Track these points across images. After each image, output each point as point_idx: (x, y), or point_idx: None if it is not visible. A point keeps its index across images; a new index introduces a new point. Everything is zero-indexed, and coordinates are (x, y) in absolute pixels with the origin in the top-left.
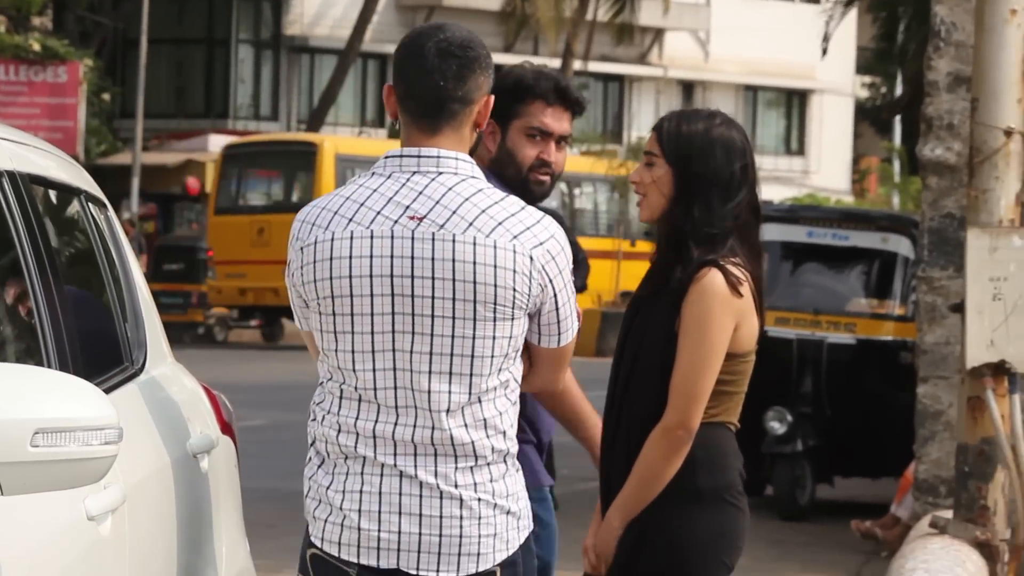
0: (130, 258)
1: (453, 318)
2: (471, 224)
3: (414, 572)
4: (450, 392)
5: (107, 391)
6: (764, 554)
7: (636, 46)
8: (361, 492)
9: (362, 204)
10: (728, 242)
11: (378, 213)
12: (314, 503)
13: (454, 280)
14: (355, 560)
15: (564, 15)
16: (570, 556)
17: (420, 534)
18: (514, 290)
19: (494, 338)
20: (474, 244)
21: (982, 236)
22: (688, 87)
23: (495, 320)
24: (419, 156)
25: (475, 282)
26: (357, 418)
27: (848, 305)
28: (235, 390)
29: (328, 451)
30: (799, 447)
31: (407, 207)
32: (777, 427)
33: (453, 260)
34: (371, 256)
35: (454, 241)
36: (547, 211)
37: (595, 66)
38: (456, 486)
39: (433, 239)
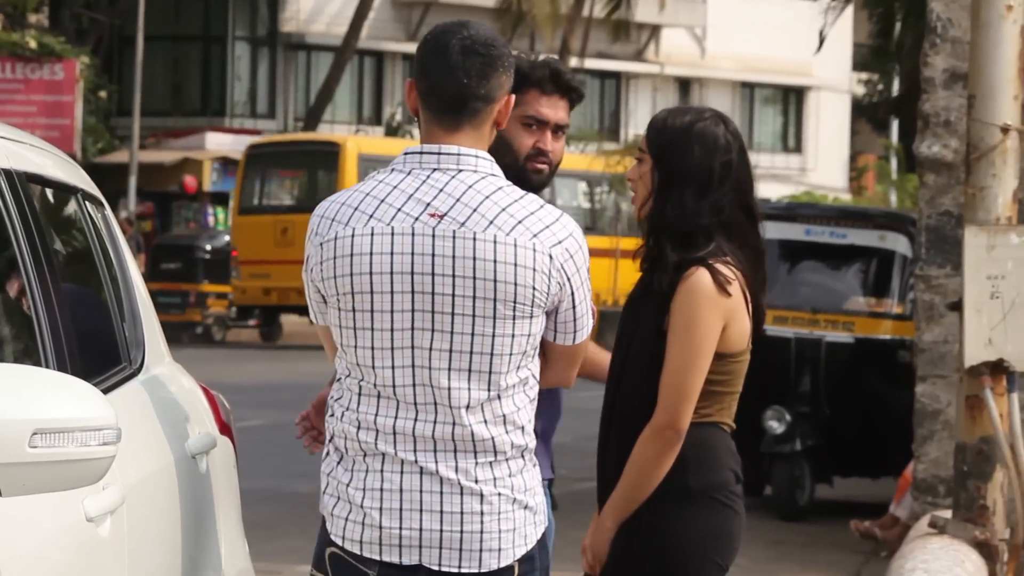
0: (127, 257)
1: (473, 316)
2: (491, 222)
3: (436, 568)
4: (469, 389)
5: (105, 391)
6: (763, 554)
7: (632, 43)
8: (382, 490)
9: (382, 200)
10: (712, 241)
11: (399, 210)
12: (333, 500)
13: (475, 278)
14: (377, 558)
15: (560, 11)
16: (568, 556)
17: (442, 530)
18: (534, 288)
19: (513, 336)
20: (495, 242)
21: (979, 234)
22: (685, 84)
23: (514, 318)
24: (439, 153)
25: (495, 280)
26: (376, 414)
27: (846, 304)
28: (233, 390)
29: (347, 447)
30: (798, 447)
31: (428, 204)
32: (775, 427)
33: (474, 258)
34: (392, 253)
35: (475, 239)
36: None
37: (591, 63)
38: (476, 481)
39: (454, 237)
